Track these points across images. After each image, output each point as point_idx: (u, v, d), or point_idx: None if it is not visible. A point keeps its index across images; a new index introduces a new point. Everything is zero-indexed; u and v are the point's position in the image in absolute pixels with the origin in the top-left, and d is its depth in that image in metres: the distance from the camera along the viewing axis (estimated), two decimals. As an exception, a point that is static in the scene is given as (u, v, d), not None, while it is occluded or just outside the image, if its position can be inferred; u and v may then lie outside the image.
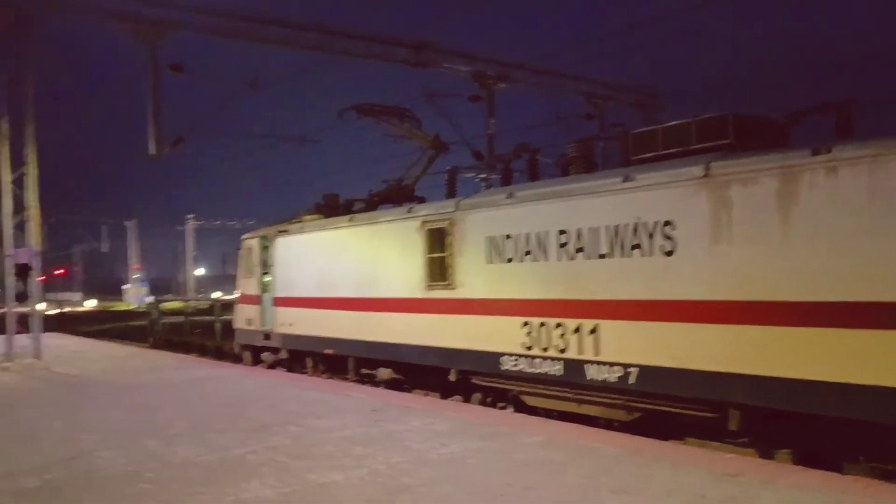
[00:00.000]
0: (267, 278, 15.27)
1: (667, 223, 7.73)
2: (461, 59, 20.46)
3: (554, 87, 22.85)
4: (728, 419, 7.29)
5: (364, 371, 12.58)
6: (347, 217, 13.26)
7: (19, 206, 15.08)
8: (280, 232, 14.90)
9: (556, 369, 8.87)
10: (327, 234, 13.61)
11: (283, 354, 14.77)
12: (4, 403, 10.26)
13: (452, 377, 10.55)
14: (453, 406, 9.59)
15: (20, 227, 15.20)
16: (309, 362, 14.12)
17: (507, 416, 8.93)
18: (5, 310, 15.64)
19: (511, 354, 9.46)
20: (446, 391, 10.83)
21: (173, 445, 7.17)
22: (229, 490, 5.60)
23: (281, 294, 14.71)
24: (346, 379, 12.80)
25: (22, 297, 15.50)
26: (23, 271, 15.17)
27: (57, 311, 13.99)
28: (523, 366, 9.30)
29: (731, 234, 7.18)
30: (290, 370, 14.45)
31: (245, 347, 16.37)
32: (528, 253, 9.32)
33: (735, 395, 7.14)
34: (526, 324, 9.27)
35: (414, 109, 14.40)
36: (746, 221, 7.08)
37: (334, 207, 14.47)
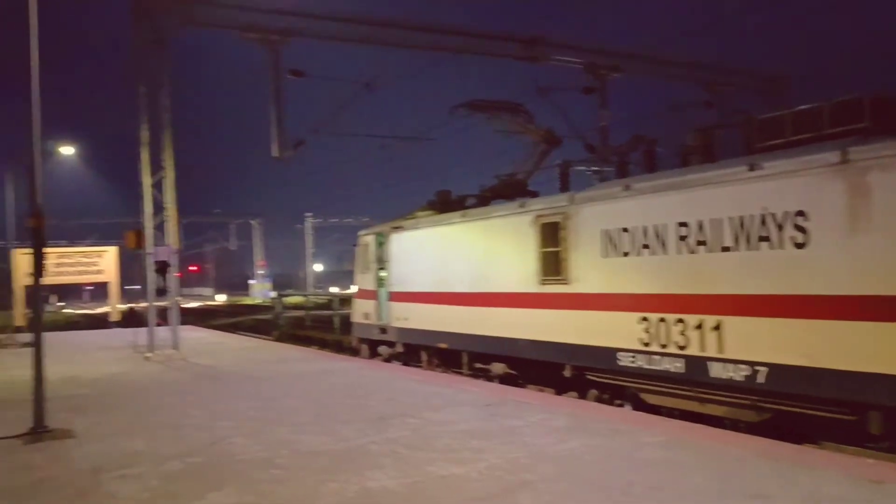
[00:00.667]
0: (382, 273, 15.69)
1: (798, 213, 7.31)
2: (572, 51, 20.17)
3: (668, 75, 22.08)
4: (868, 422, 6.82)
5: (478, 365, 12.69)
6: (460, 213, 13.40)
7: (158, 208, 16.25)
8: (394, 228, 15.26)
9: (677, 366, 8.60)
10: (440, 230, 13.81)
11: (399, 348, 15.13)
12: (150, 392, 11.11)
13: (567, 373, 10.45)
14: (569, 402, 9.50)
15: (159, 228, 16.38)
16: (423, 356, 14.39)
17: (625, 414, 8.75)
18: (147, 304, 16.89)
19: (628, 350, 9.26)
20: (561, 387, 10.74)
21: (301, 434, 7.52)
22: (354, 479, 5.81)
23: (396, 289, 15.08)
24: (461, 373, 12.95)
25: (161, 293, 16.69)
26: (162, 268, 16.33)
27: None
28: (641, 362, 9.07)
29: (871, 224, 6.69)
30: (405, 363, 14.79)
31: (362, 341, 16.90)
32: (645, 246, 9.07)
33: (877, 397, 6.66)
34: (644, 319, 9.03)
35: (527, 104, 14.35)
36: (888, 210, 6.58)
37: (447, 203, 14.65)
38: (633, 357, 9.18)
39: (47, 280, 13.53)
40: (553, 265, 10.64)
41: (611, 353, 9.51)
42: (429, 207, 14.92)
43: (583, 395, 10.34)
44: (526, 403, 9.00)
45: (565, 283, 10.41)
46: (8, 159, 30.74)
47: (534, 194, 13.17)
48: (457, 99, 14.47)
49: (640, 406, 9.34)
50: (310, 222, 70.81)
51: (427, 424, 7.85)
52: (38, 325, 8.89)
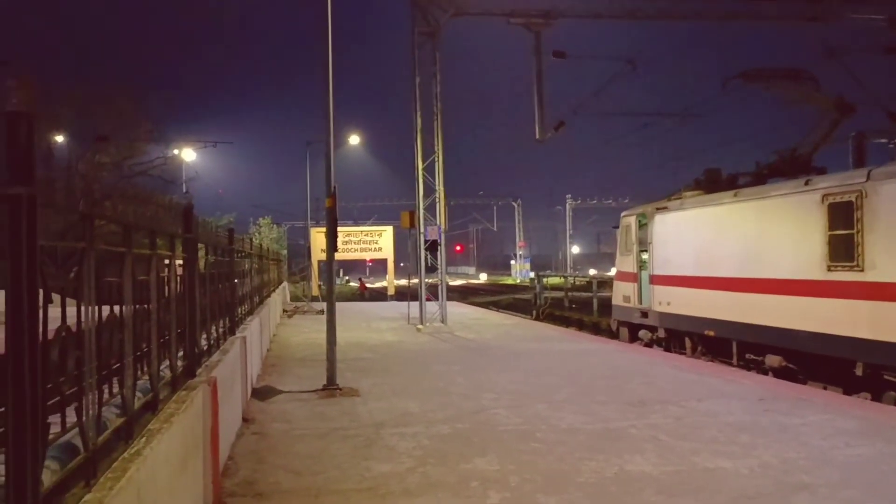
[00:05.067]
0: (644, 255, 15.22)
1: None
2: (872, 5, 17.57)
3: None
4: None
5: (749, 356, 11.77)
6: (732, 192, 12.48)
7: (429, 191, 17.49)
8: (658, 209, 14.69)
9: None
10: (709, 211, 12.99)
11: (660, 333, 14.60)
12: (422, 360, 12.05)
13: (859, 371, 9.26)
14: (860, 403, 8.42)
15: (430, 209, 17.63)
16: (687, 343, 13.72)
17: (933, 423, 7.51)
18: (418, 280, 18.31)
19: (941, 351, 7.92)
20: (851, 387, 9.55)
21: (559, 411, 7.63)
22: (613, 460, 5.76)
23: (658, 272, 14.53)
24: (728, 363, 12.13)
25: (431, 270, 18.00)
26: (432, 247, 17.60)
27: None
28: (958, 365, 7.72)
29: None
30: (666, 349, 14.24)
31: (622, 324, 16.59)
32: (967, 229, 7.67)
33: None
34: (963, 315, 7.66)
35: (812, 70, 12.87)
36: None
37: (716, 182, 13.75)
38: (947, 358, 7.84)
39: (337, 256, 15.28)
40: (844, 250, 9.46)
41: (916, 352, 8.22)
42: (696, 187, 14.12)
43: (877, 398, 9.09)
44: (806, 400, 8.17)
45: (859, 270, 9.20)
46: (305, 150, 35.21)
47: (820, 171, 11.80)
48: (729, 72, 13.46)
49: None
50: (569, 204, 70.86)
51: (690, 413, 7.49)
52: (330, 295, 10.10)
